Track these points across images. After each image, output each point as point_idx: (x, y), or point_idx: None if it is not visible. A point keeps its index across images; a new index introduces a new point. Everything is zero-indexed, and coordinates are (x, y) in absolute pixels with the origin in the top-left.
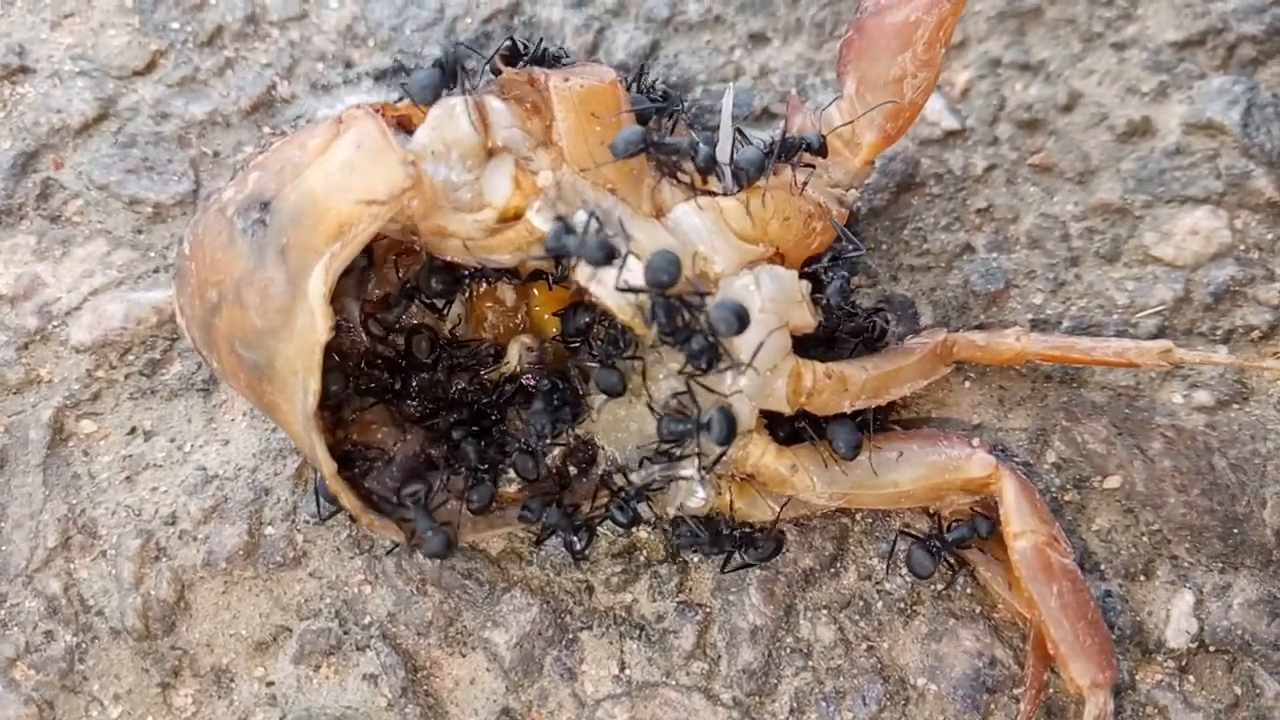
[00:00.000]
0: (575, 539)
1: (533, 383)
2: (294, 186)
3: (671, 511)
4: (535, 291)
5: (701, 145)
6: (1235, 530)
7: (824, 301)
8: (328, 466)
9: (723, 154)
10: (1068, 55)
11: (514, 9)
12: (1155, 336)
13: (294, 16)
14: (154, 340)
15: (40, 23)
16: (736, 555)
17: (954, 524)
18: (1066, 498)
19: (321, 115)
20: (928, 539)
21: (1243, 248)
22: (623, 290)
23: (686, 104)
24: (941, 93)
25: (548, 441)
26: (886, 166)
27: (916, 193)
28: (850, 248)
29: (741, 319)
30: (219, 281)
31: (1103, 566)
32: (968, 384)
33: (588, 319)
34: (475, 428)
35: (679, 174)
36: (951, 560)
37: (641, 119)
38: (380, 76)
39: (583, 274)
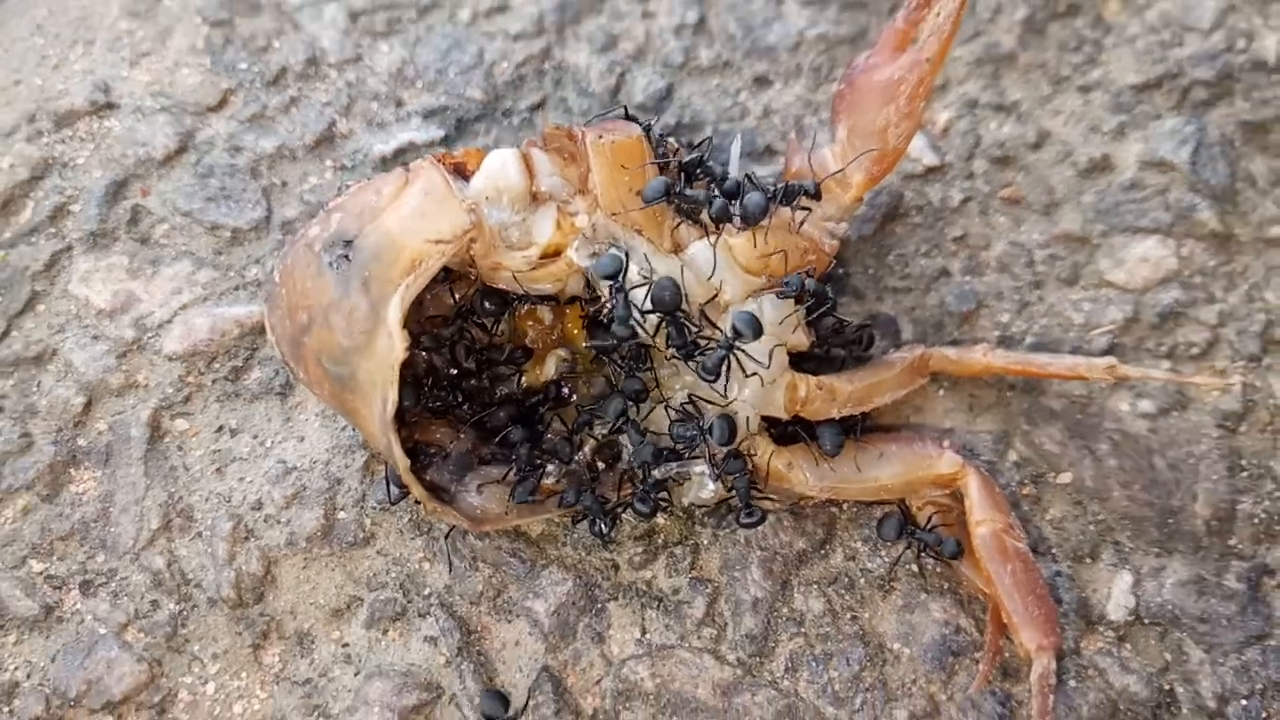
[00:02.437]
0: (603, 524)
1: (568, 391)
2: (373, 227)
3: (686, 501)
4: (569, 311)
5: (715, 199)
6: (1170, 520)
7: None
8: (402, 463)
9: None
10: (1038, 97)
11: (545, 54)
12: (1107, 353)
13: (349, 59)
14: (236, 350)
15: (120, 61)
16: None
17: (935, 526)
18: (1025, 491)
19: (376, 151)
20: (907, 521)
21: (1187, 273)
22: (645, 313)
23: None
24: (924, 132)
25: (620, 425)
26: (874, 199)
27: (900, 222)
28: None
29: (756, 326)
30: (309, 306)
31: (1054, 550)
32: (941, 393)
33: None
34: (524, 428)
35: (696, 219)
36: (912, 544)
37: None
38: (428, 115)
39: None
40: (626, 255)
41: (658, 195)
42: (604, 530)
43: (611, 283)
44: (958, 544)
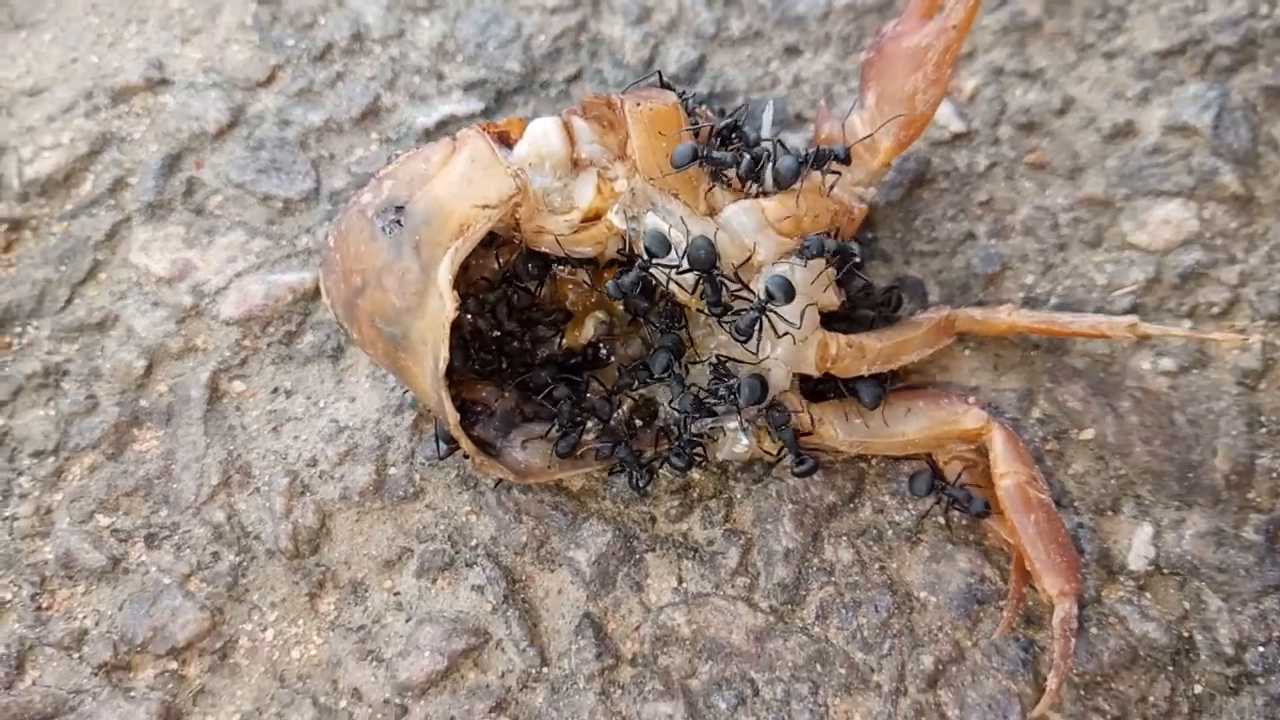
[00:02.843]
0: (639, 477)
1: (606, 352)
2: (423, 193)
3: (720, 457)
4: (608, 274)
5: (743, 159)
6: (1190, 474)
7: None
8: (453, 418)
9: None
10: (1063, 64)
11: (581, 27)
12: (1129, 312)
13: (392, 34)
14: (290, 315)
15: (172, 39)
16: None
17: (965, 484)
18: (1048, 447)
19: (419, 123)
20: (937, 477)
21: (1208, 235)
22: (681, 273)
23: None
24: (951, 99)
25: (668, 376)
26: (901, 165)
27: (927, 188)
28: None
29: (789, 290)
30: (362, 270)
31: (1077, 504)
32: (967, 352)
33: (645, 302)
34: (566, 386)
35: (726, 180)
36: (941, 500)
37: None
38: (469, 88)
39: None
40: (668, 230)
41: (686, 160)
42: (641, 483)
43: (649, 258)
44: (985, 504)
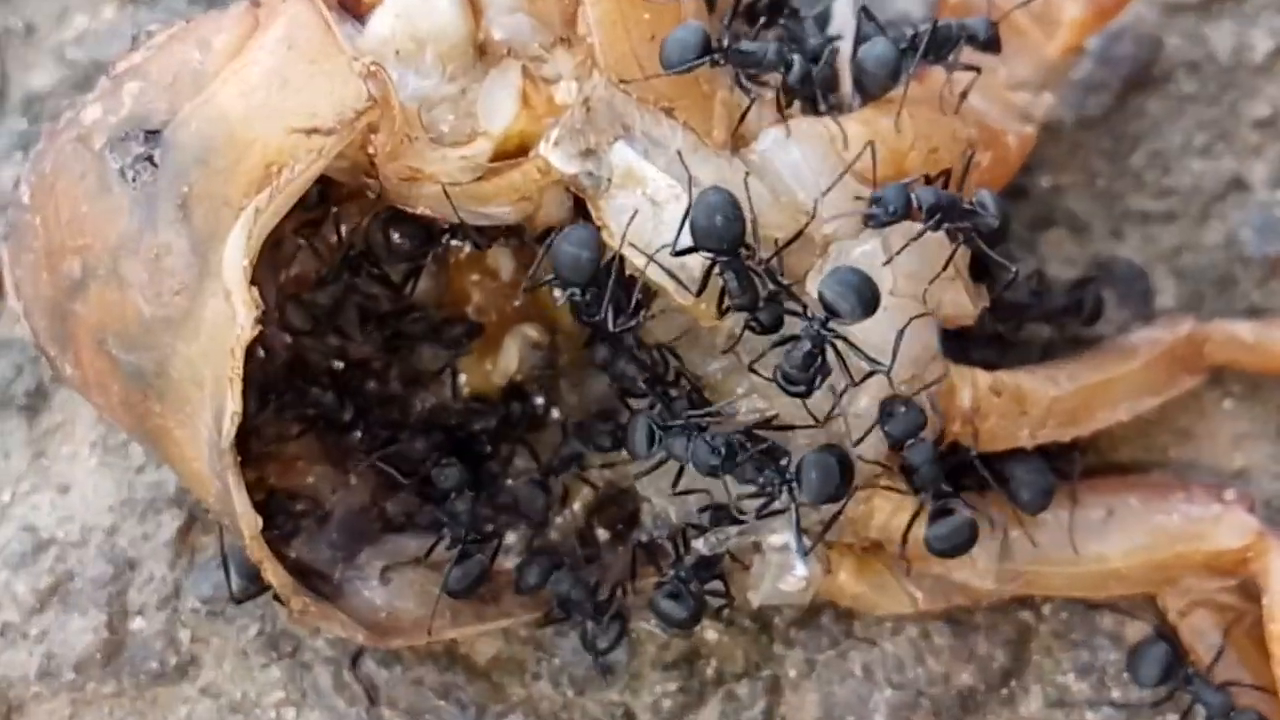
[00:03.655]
0: (597, 631)
1: (541, 401)
2: (196, 107)
3: (757, 600)
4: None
5: (797, 56)
6: None
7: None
8: (248, 523)
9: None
10: None
11: None
12: None
13: None
14: None
15: None
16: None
17: (1227, 684)
18: None
19: None
20: (1178, 656)
21: None
22: (678, 254)
23: None
24: None
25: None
26: (1107, 50)
27: (1156, 92)
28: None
29: (866, 296)
30: (82, 247)
31: None
32: (1229, 404)
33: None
34: (463, 465)
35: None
36: (1179, 693)
37: None
38: None
39: (614, 228)
40: (648, 177)
41: (690, 54)
42: (595, 641)
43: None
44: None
